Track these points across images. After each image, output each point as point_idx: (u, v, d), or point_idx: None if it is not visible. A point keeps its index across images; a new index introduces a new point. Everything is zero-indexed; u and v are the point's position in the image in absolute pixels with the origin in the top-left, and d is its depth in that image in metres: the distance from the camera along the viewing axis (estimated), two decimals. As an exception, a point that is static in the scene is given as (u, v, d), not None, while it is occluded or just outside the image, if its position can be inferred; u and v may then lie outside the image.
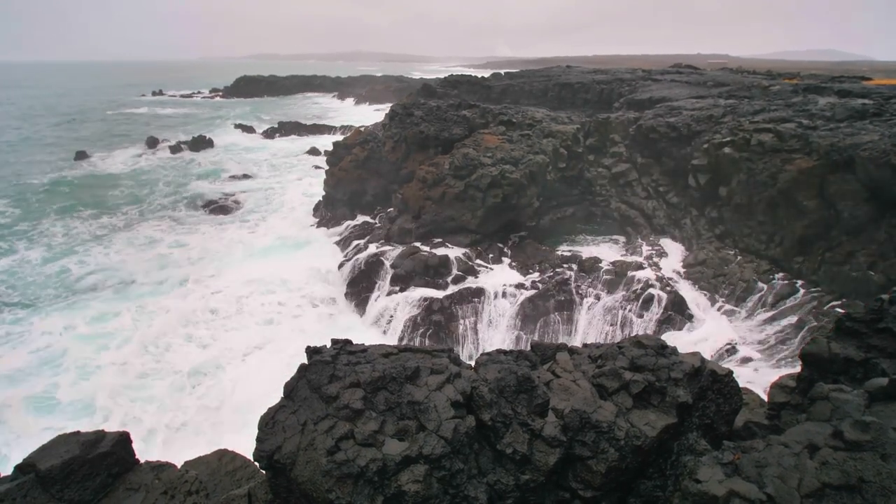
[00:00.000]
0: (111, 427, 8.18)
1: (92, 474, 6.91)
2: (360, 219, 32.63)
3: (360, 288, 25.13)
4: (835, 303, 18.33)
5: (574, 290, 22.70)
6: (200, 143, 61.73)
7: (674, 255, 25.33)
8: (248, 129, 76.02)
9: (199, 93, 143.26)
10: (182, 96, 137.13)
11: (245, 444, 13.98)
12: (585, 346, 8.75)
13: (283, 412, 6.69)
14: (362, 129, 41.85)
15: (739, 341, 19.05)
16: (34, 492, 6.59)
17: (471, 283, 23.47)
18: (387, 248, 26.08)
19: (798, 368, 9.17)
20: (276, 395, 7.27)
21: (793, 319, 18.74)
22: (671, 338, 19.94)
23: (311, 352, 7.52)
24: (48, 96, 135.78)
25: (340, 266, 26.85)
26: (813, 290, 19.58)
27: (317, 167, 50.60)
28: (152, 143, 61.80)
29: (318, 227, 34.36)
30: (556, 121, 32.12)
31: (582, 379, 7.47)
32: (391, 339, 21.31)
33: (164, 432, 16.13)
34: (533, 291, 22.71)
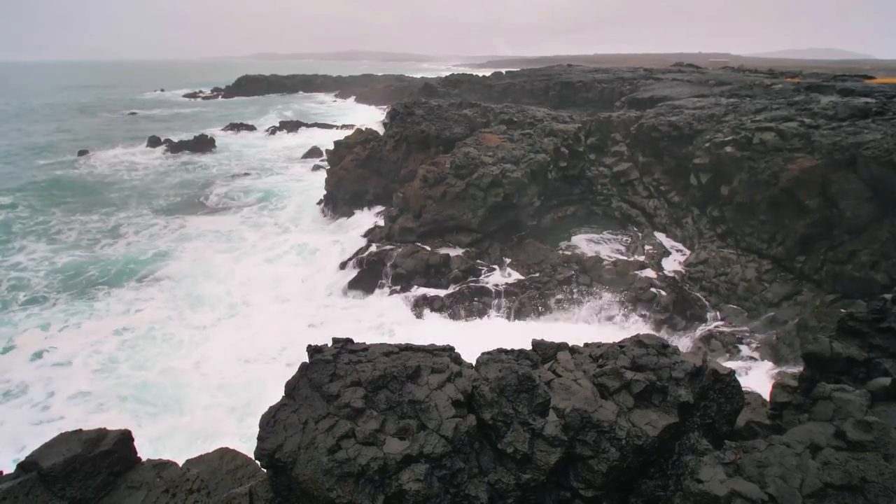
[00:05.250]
0: (113, 425, 8.21)
1: (94, 472, 6.92)
2: (361, 218, 32.60)
3: (361, 286, 25.13)
4: (837, 302, 18.28)
5: (575, 290, 22.69)
6: (202, 142, 61.74)
7: (675, 254, 25.31)
8: (250, 128, 76.08)
9: (200, 92, 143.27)
10: (184, 95, 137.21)
11: (246, 443, 14.00)
12: (586, 345, 8.74)
13: (284, 411, 6.70)
14: (363, 128, 41.82)
15: (741, 341, 19.03)
16: (36, 490, 6.61)
17: (472, 282, 23.46)
18: (388, 247, 26.08)
19: (800, 368, 9.15)
20: (277, 394, 7.27)
21: (795, 319, 18.69)
22: (672, 337, 19.92)
23: (313, 350, 7.52)
24: (48, 96, 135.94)
25: (342, 265, 26.85)
26: (815, 289, 19.54)
27: (318, 166, 50.61)
28: (154, 142, 61.84)
29: (319, 225, 34.36)
30: (557, 120, 32.07)
31: (583, 378, 7.46)
32: (392, 339, 21.31)
33: (162, 430, 16.15)
34: (534, 290, 22.70)
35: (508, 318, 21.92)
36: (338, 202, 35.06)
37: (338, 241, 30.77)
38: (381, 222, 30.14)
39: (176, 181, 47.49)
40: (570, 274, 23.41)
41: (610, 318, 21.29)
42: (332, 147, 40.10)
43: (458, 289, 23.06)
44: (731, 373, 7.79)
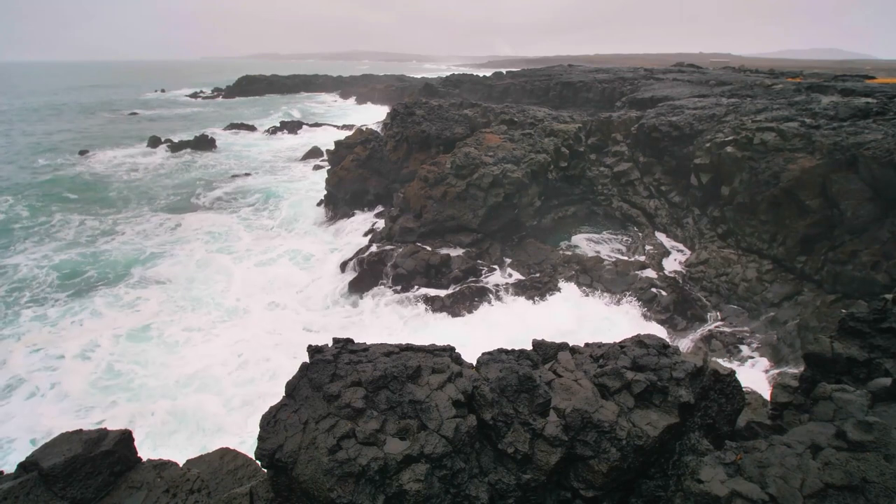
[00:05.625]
0: (113, 424, 8.22)
1: (94, 472, 6.92)
2: (362, 218, 32.64)
3: (361, 287, 25.13)
4: (838, 303, 18.26)
5: (576, 290, 22.67)
6: (202, 142, 61.78)
7: (676, 254, 25.29)
8: (251, 129, 76.11)
9: (201, 92, 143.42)
10: (185, 96, 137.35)
11: (247, 443, 14.00)
12: (587, 345, 8.73)
13: (284, 411, 6.70)
14: (364, 128, 41.85)
15: (742, 341, 19.01)
16: (37, 490, 6.61)
17: (472, 282, 23.46)
18: (388, 247, 26.07)
19: (801, 368, 9.14)
20: (277, 394, 7.27)
21: (795, 319, 18.68)
22: (673, 337, 19.91)
23: (313, 351, 7.52)
24: (50, 96, 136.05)
25: (343, 265, 26.85)
26: (816, 289, 19.52)
27: (318, 166, 50.64)
28: (154, 142, 61.87)
29: (319, 226, 34.38)
30: (557, 120, 32.06)
31: (583, 378, 7.46)
32: (393, 339, 21.29)
33: (162, 430, 16.16)
34: (535, 290, 22.69)
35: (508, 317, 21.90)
36: (338, 202, 35.06)
37: (338, 242, 30.81)
38: (382, 222, 30.14)
39: (176, 181, 47.50)
40: (571, 274, 23.40)
41: (610, 318, 21.26)
42: (332, 147, 40.12)
43: (458, 289, 23.05)
44: (732, 373, 7.79)
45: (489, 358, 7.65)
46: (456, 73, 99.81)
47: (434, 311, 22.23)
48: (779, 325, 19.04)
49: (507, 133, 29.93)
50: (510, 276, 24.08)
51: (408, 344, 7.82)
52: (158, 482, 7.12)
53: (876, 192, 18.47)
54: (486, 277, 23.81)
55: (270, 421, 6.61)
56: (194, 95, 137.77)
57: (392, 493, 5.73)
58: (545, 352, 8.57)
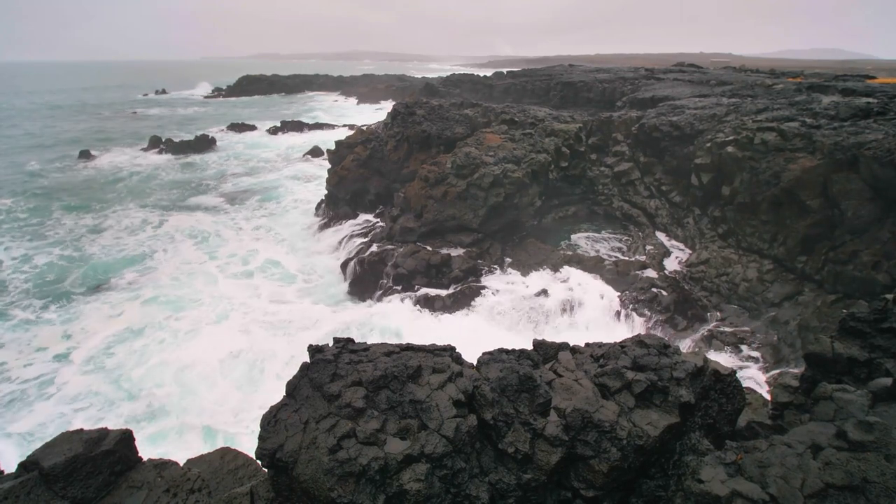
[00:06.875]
0: (113, 424, 8.24)
1: (95, 472, 6.93)
2: (363, 218, 32.65)
3: (362, 287, 25.15)
4: (838, 303, 18.24)
5: (576, 289, 22.65)
6: (203, 143, 61.80)
7: (676, 254, 25.28)
8: (251, 128, 76.14)
9: (202, 92, 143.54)
10: (185, 96, 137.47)
11: (247, 443, 14.01)
12: (588, 345, 8.73)
13: (285, 411, 6.70)
14: (364, 128, 41.86)
15: (742, 341, 19.00)
16: (37, 489, 6.62)
17: (472, 281, 23.46)
18: (389, 247, 26.08)
19: (801, 368, 9.14)
20: (277, 394, 7.28)
21: (796, 319, 18.67)
22: (673, 337, 19.90)
23: (314, 350, 7.52)
24: (50, 96, 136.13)
25: (343, 265, 26.85)
26: (816, 289, 19.51)
27: (319, 166, 50.66)
28: (155, 142, 61.90)
29: (320, 226, 34.38)
30: (558, 120, 32.05)
31: (584, 378, 7.46)
32: (393, 338, 21.30)
33: (165, 429, 16.17)
34: (535, 290, 22.70)
35: (509, 317, 21.90)
36: (339, 202, 35.06)
37: (338, 241, 30.81)
38: (382, 222, 30.14)
39: (175, 182, 47.53)
40: (571, 274, 23.36)
41: (611, 318, 21.27)
42: (333, 147, 40.12)
43: (458, 289, 23.06)
44: (733, 373, 7.78)
45: (490, 358, 7.65)
46: (456, 72, 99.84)
47: (435, 310, 22.24)
48: (779, 325, 19.03)
49: (507, 133, 29.91)
50: (510, 275, 24.08)
51: (408, 344, 7.82)
52: (159, 482, 7.13)
53: (877, 192, 18.45)
54: (486, 277, 23.82)
55: (271, 420, 6.61)
56: (195, 95, 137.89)
57: (392, 492, 5.73)
58: (546, 351, 8.57)
